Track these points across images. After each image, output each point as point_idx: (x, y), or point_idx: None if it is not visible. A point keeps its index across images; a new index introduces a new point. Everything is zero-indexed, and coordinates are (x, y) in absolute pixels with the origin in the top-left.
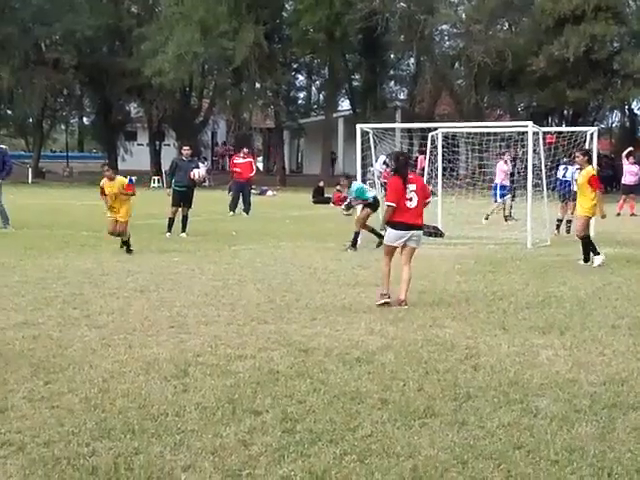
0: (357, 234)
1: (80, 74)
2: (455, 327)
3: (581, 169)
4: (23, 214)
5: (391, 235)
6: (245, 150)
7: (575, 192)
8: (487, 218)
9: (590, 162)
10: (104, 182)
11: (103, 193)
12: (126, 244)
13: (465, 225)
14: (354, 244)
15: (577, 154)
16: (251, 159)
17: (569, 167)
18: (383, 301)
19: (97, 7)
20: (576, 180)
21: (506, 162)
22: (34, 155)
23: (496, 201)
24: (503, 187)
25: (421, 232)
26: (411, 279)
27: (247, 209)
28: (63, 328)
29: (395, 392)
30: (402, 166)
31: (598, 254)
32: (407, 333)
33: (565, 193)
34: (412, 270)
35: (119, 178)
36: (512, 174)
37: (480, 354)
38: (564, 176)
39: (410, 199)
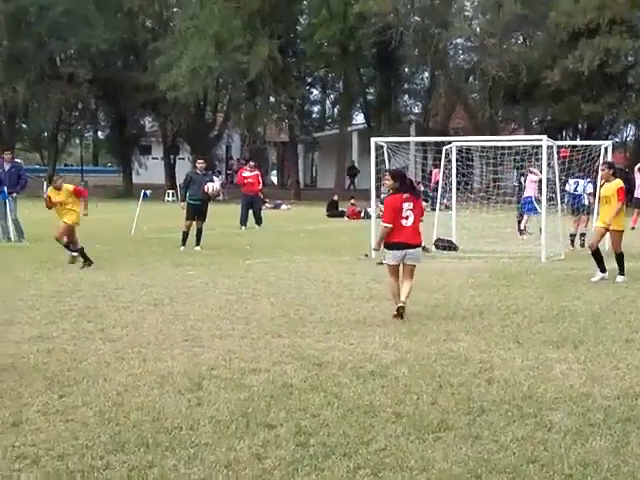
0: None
1: (95, 88)
2: (469, 341)
3: (606, 182)
4: (38, 228)
5: (390, 256)
6: (251, 163)
7: (587, 205)
8: (522, 233)
9: (615, 175)
10: (50, 190)
11: (50, 202)
12: (82, 256)
13: (479, 239)
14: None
15: (602, 167)
16: (258, 172)
17: (580, 181)
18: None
19: (112, 21)
20: (588, 194)
21: (536, 174)
22: (49, 169)
23: (530, 213)
24: (533, 200)
25: (418, 250)
26: (411, 292)
27: (259, 222)
28: (77, 341)
29: (409, 406)
30: (401, 185)
31: (604, 271)
32: (421, 347)
33: (578, 207)
34: (414, 284)
35: (65, 186)
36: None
37: (494, 368)
38: (575, 190)
39: (406, 217)
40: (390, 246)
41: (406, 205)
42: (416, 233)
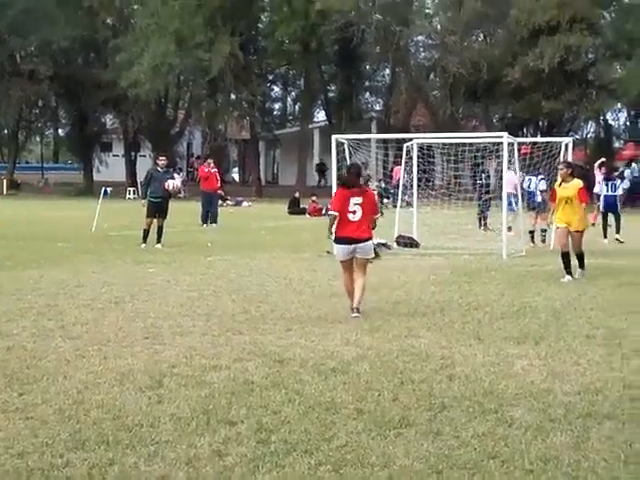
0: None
1: (55, 85)
2: (430, 337)
3: (564, 181)
4: None
5: (337, 251)
6: (210, 161)
7: (540, 202)
8: (510, 230)
9: (573, 175)
10: None
11: None
12: None
13: (440, 235)
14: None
15: (560, 166)
16: (216, 170)
17: (532, 178)
18: (355, 315)
19: (73, 18)
20: (541, 191)
21: (515, 172)
22: (9, 166)
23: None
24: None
25: (366, 244)
26: (365, 289)
27: (214, 219)
28: (37, 339)
29: (370, 402)
30: (348, 177)
31: (570, 274)
32: (382, 343)
33: (533, 204)
34: (367, 280)
35: None
36: (488, 185)
37: (455, 364)
38: (529, 187)
39: (353, 212)
40: (338, 240)
41: (353, 200)
42: (364, 228)
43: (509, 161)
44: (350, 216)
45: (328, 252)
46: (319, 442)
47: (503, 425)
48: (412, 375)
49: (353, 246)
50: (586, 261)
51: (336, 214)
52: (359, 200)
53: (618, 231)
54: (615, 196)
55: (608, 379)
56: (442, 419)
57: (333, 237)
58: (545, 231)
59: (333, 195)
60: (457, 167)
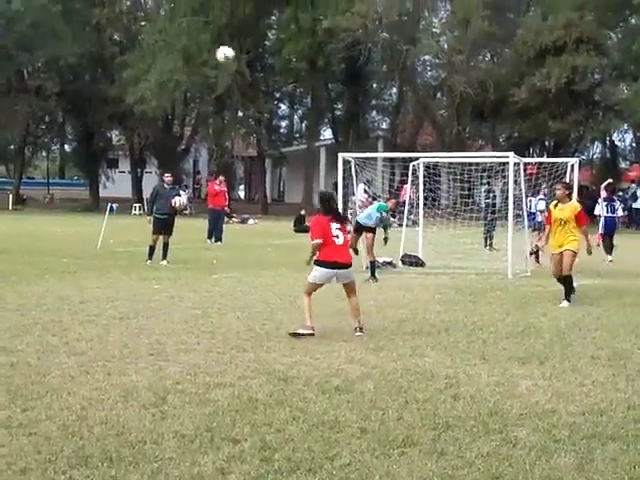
0: (373, 263)
1: (62, 101)
2: (435, 357)
3: (560, 202)
4: (3, 240)
5: (318, 274)
6: (221, 178)
7: (540, 222)
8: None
9: (571, 197)
10: None
11: None
12: None
13: (446, 255)
14: (373, 274)
15: (558, 187)
16: (225, 188)
17: (532, 199)
18: (308, 332)
19: (80, 35)
20: (540, 212)
21: (544, 195)
22: (15, 182)
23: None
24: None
25: (349, 270)
26: (359, 308)
27: (219, 237)
28: (41, 355)
29: (374, 421)
30: (326, 206)
31: (569, 299)
32: (387, 362)
33: (534, 224)
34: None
35: None
36: (494, 204)
37: (460, 384)
38: (530, 208)
39: (337, 236)
40: (322, 264)
41: (333, 225)
42: (347, 252)
43: (515, 181)
44: (335, 240)
45: (373, 278)
46: (323, 460)
47: (507, 445)
48: (416, 394)
49: (335, 271)
50: (589, 281)
51: (319, 241)
52: (338, 225)
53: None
54: (614, 218)
55: (613, 400)
56: (446, 439)
57: (312, 263)
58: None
59: (311, 224)
60: (463, 186)
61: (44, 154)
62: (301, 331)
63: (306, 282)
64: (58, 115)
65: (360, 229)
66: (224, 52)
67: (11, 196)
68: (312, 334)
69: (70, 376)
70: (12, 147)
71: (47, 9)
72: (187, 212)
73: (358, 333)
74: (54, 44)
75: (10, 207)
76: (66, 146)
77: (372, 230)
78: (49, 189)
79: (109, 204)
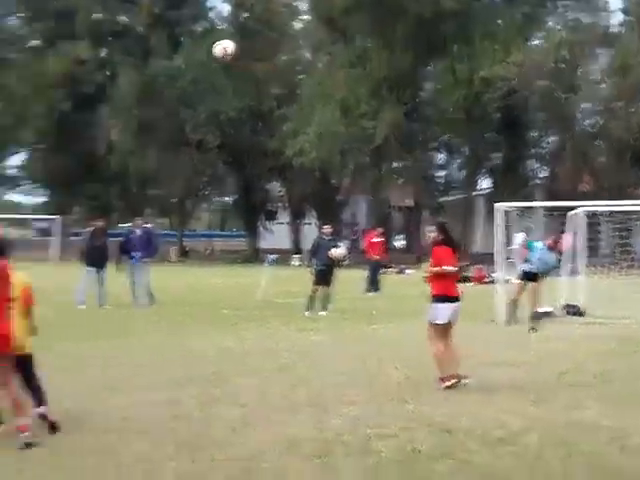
0: (536, 313)
1: (223, 154)
2: (598, 408)
3: None
4: (166, 292)
5: (441, 312)
6: (380, 229)
7: None
8: None
9: None
10: None
11: None
12: None
13: (607, 304)
14: (534, 324)
15: None
16: (383, 239)
17: None
18: (452, 382)
19: (239, 89)
20: None
21: None
22: (178, 234)
23: None
24: None
25: (459, 304)
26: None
27: (377, 287)
28: (204, 407)
29: (540, 473)
30: (449, 237)
31: None
32: (549, 414)
33: None
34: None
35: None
36: None
37: (627, 435)
38: None
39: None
40: (443, 299)
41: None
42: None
43: None
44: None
45: (492, 320)
46: None
47: None
48: (582, 446)
49: (454, 305)
50: None
51: (457, 268)
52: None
53: None
54: None
55: None
56: None
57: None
58: None
59: (435, 252)
60: (622, 235)
61: (205, 206)
62: (448, 383)
63: (429, 326)
64: (219, 168)
65: (527, 279)
66: (224, 46)
67: (174, 249)
68: (458, 382)
69: (232, 428)
70: (174, 200)
71: (207, 65)
72: (345, 263)
73: (466, 380)
74: (214, 99)
75: (174, 259)
76: (226, 198)
77: (535, 279)
78: (210, 241)
79: (268, 255)
